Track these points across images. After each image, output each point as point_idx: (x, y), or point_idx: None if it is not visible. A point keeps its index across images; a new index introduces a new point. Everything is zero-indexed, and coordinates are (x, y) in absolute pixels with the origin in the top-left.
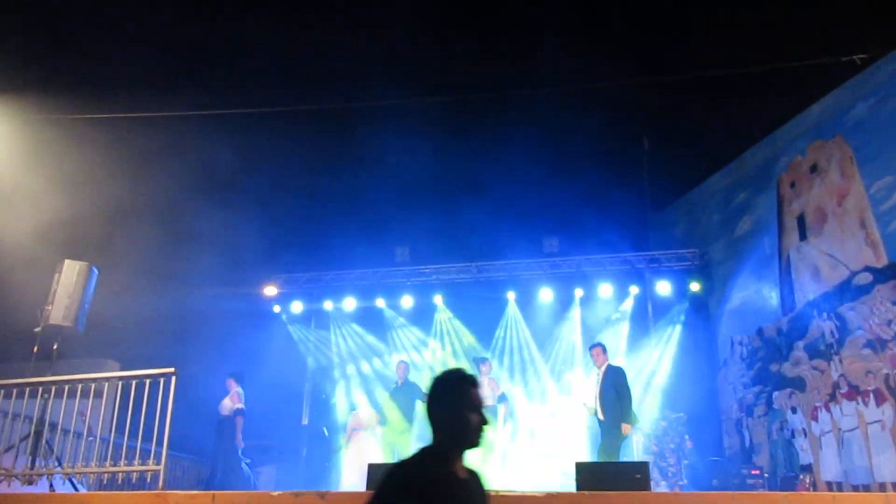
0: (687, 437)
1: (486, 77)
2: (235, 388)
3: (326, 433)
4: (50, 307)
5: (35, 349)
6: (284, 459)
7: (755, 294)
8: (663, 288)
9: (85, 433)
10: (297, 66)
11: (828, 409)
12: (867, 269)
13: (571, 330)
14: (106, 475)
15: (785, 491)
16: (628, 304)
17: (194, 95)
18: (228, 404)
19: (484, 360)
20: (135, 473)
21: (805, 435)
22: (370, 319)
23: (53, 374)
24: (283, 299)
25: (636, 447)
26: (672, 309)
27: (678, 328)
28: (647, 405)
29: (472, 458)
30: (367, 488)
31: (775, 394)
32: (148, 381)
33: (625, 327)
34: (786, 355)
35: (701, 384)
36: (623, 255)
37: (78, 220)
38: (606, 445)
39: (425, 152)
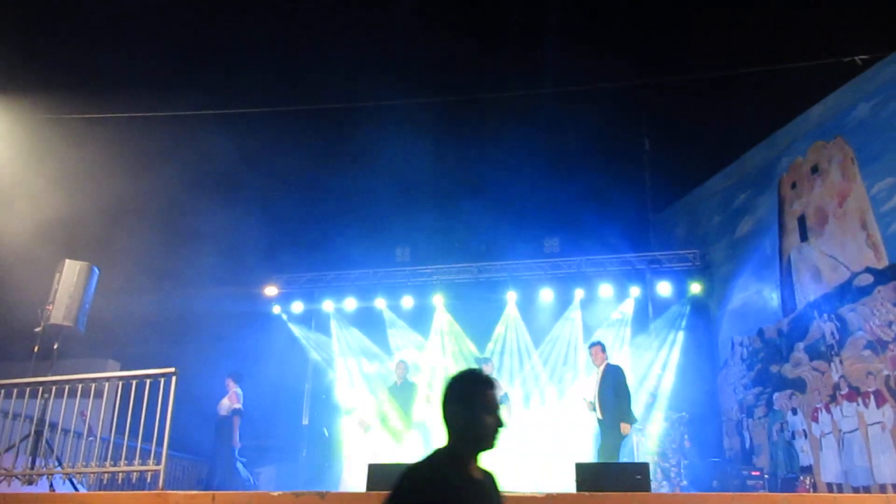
0: (686, 437)
1: (486, 77)
2: (234, 388)
3: (326, 433)
4: (50, 307)
5: (35, 349)
6: (284, 459)
7: (756, 295)
8: (664, 289)
9: (85, 433)
10: (297, 66)
11: (828, 411)
12: (868, 270)
13: (572, 330)
14: (106, 475)
15: (785, 492)
16: (629, 305)
17: (194, 95)
18: (226, 404)
19: (486, 360)
20: (135, 473)
21: (805, 436)
22: (370, 319)
23: (54, 374)
24: (284, 299)
25: (637, 447)
26: (672, 310)
27: (681, 334)
28: (648, 404)
29: (486, 460)
30: (368, 488)
31: (776, 395)
32: (148, 381)
33: (625, 328)
34: (786, 356)
35: (701, 385)
36: (623, 255)
37: (78, 219)
38: (606, 445)
39: (425, 152)
